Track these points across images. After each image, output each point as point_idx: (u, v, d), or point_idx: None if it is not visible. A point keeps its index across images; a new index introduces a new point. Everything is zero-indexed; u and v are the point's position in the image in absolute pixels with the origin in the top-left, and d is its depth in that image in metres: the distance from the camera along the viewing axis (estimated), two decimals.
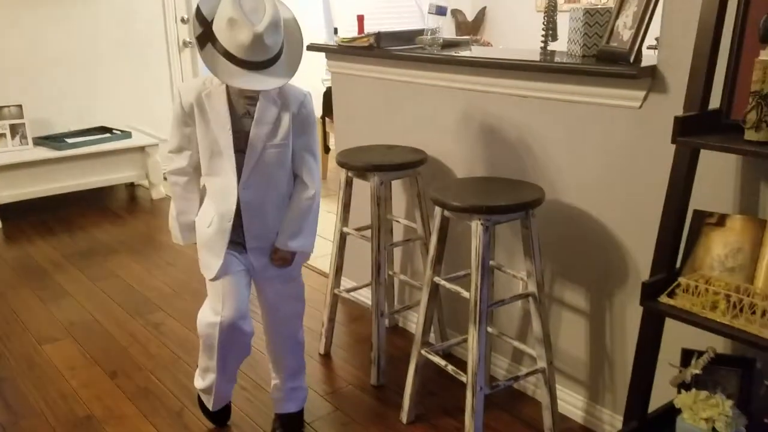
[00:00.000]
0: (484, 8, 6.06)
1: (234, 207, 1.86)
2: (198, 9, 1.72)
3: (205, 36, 1.71)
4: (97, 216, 4.30)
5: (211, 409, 2.13)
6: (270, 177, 1.86)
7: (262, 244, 1.93)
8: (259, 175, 1.84)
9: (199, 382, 2.11)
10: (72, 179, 4.27)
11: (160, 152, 4.59)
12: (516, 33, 5.88)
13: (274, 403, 2.17)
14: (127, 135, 4.52)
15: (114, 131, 4.57)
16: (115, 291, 3.19)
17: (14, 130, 4.25)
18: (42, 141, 4.33)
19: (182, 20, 4.97)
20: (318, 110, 5.13)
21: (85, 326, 2.85)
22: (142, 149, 4.49)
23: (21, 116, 4.26)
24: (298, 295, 2.07)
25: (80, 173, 4.29)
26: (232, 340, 1.91)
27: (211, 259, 1.90)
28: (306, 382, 2.20)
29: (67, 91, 4.61)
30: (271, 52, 1.70)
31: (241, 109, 1.82)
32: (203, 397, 2.15)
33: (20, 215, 4.24)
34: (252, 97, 1.80)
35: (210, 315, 1.90)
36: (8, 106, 4.23)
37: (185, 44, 5.00)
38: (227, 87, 1.79)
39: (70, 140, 4.32)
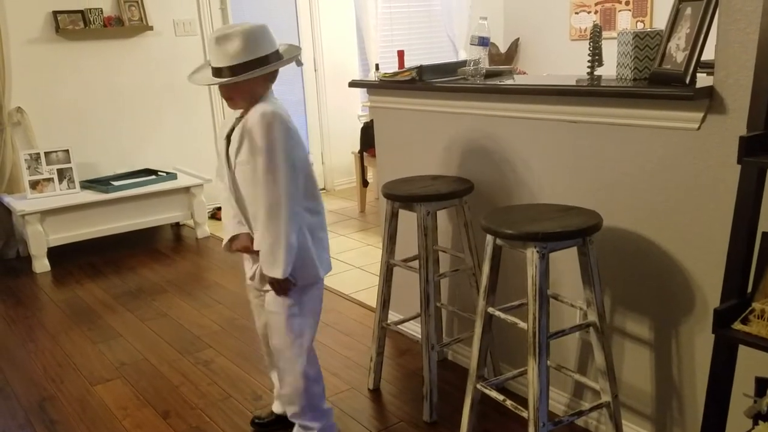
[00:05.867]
0: (517, 39, 6.09)
1: (233, 206, 2.05)
2: None
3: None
4: (144, 256, 4.37)
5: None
6: (246, 191, 1.98)
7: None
8: (241, 187, 2.00)
9: None
10: (119, 221, 4.36)
11: (205, 192, 4.68)
12: (549, 62, 5.90)
13: None
14: (172, 176, 4.61)
15: (159, 173, 4.67)
16: (164, 330, 3.22)
17: (62, 174, 4.37)
18: (89, 184, 4.44)
19: None
20: (355, 146, 5.19)
21: (136, 366, 2.87)
22: (187, 190, 4.57)
23: (68, 161, 4.39)
24: (275, 328, 2.06)
25: (127, 215, 4.38)
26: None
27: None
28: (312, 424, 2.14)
29: (112, 136, 4.75)
30: (219, 62, 1.88)
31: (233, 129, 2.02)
32: None
33: (69, 258, 4.34)
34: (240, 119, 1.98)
35: None
36: (56, 151, 4.36)
37: None
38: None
39: (116, 183, 4.42)
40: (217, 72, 1.89)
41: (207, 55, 1.85)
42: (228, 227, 2.10)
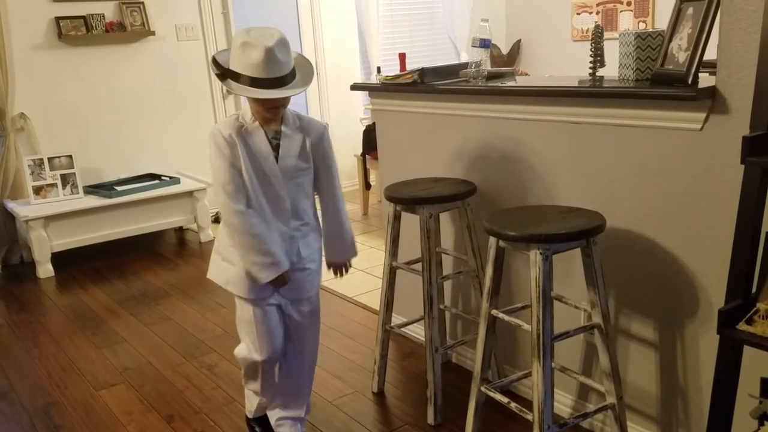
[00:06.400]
0: (519, 41, 6.08)
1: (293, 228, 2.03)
2: (213, 57, 1.89)
3: (224, 76, 1.86)
4: (147, 261, 4.38)
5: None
6: (294, 200, 2.00)
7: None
8: (292, 197, 2.00)
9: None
10: (122, 226, 4.36)
11: (208, 196, 4.68)
12: (551, 63, 5.89)
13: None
14: (175, 181, 4.62)
15: (162, 177, 4.68)
16: (168, 334, 3.22)
17: (65, 179, 4.37)
18: (92, 189, 4.45)
19: None
20: (358, 149, 5.19)
21: (140, 370, 2.87)
22: (190, 194, 4.58)
23: (71, 166, 4.40)
24: (317, 317, 2.20)
25: (130, 220, 4.39)
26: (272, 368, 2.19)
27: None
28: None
29: (115, 141, 4.76)
30: (285, 69, 1.83)
31: (271, 140, 1.97)
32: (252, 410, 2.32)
33: (73, 263, 4.34)
34: (277, 130, 1.95)
35: (249, 353, 2.13)
36: (59, 157, 4.37)
37: (228, 92, 5.13)
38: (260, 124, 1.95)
39: (119, 188, 4.43)
40: (283, 80, 1.82)
41: (243, 65, 1.62)
42: (278, 261, 1.94)
